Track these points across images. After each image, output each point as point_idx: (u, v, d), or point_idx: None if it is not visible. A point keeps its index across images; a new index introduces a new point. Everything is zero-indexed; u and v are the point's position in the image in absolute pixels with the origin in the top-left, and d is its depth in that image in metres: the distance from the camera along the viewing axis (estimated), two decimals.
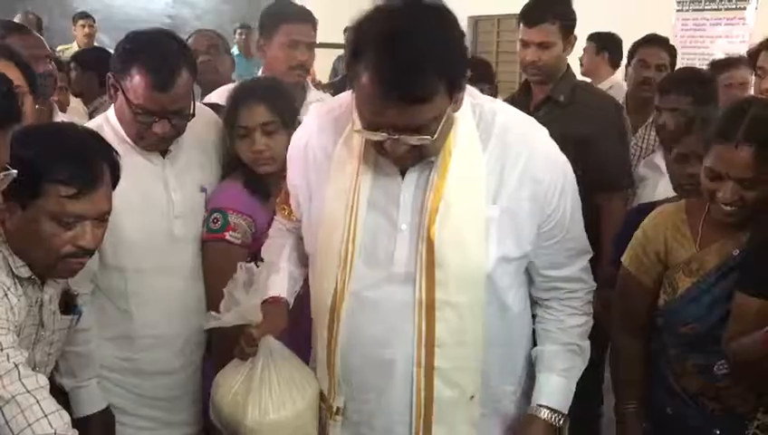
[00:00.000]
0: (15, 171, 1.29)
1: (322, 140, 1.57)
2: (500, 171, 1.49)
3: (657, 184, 2.62)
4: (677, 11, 5.26)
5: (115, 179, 1.59)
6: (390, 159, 1.45)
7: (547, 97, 2.69)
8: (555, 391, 1.62)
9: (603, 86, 3.92)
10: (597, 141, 2.58)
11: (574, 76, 2.77)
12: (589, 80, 4.34)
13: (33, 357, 1.59)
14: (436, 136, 1.38)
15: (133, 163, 1.86)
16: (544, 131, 1.58)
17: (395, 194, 1.50)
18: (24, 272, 1.51)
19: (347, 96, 1.52)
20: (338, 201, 1.51)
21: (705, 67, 4.60)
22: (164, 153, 1.96)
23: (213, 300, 1.95)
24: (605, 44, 4.36)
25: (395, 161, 1.46)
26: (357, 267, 1.51)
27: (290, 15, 2.68)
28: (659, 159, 2.66)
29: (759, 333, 1.56)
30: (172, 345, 2.01)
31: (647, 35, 3.50)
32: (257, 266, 1.70)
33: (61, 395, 1.89)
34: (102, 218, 1.55)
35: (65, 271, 1.58)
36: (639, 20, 4.59)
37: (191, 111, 1.89)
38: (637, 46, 3.45)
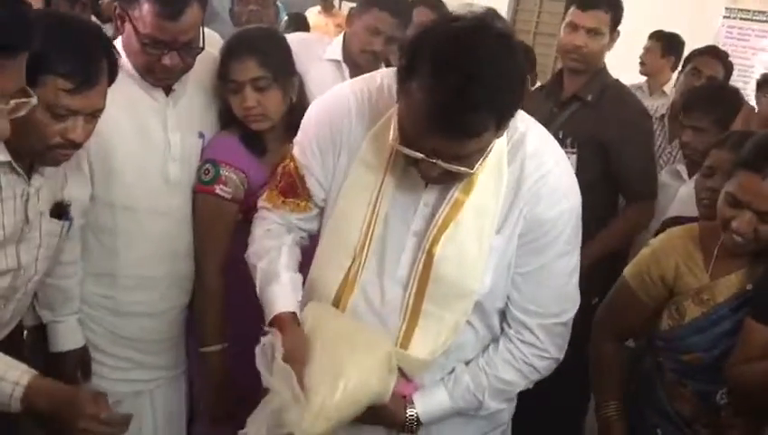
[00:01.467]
0: (35, 99, 1.22)
1: (356, 124, 1.45)
2: (511, 201, 1.38)
3: (678, 191, 2.54)
4: (724, 17, 5.07)
5: (112, 77, 1.52)
6: (419, 173, 1.34)
7: (575, 95, 2.58)
8: (435, 409, 1.48)
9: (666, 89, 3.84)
10: (620, 148, 2.48)
11: (608, 75, 2.63)
12: (643, 78, 4.21)
13: (18, 257, 1.54)
14: (475, 169, 1.29)
15: (135, 98, 1.80)
16: (566, 166, 1.44)
17: (415, 198, 1.42)
18: (2, 156, 1.44)
19: (383, 82, 1.44)
20: (361, 192, 1.42)
21: (744, 78, 4.47)
22: (167, 91, 1.86)
23: (200, 250, 1.95)
24: (671, 47, 4.22)
25: (424, 178, 1.35)
26: (370, 261, 1.43)
27: (385, 3, 2.57)
28: (682, 167, 2.59)
29: (765, 362, 1.50)
30: (156, 288, 1.94)
31: (707, 46, 3.42)
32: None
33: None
34: (95, 115, 1.49)
35: (50, 160, 1.52)
36: (684, 23, 4.45)
37: (200, 44, 1.79)
38: (694, 54, 3.34)
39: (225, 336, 1.93)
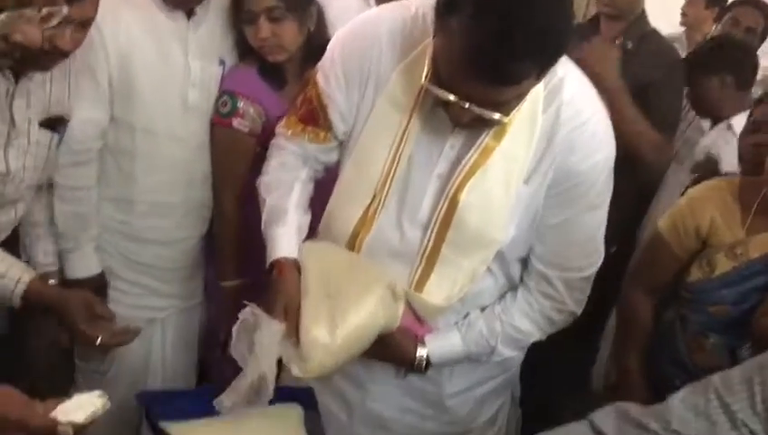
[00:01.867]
0: (66, 9, 1.19)
1: (386, 55, 1.36)
2: (543, 149, 1.31)
3: (699, 142, 2.50)
4: None
5: None
6: (448, 116, 1.27)
7: (613, 40, 2.44)
8: (446, 352, 1.44)
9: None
10: (655, 92, 2.38)
11: (648, 23, 2.53)
12: (682, 30, 4.06)
13: (6, 161, 1.52)
14: (510, 116, 1.22)
15: (157, 21, 1.76)
16: (603, 116, 1.35)
17: (441, 140, 1.34)
18: None
19: (418, 12, 1.34)
20: (386, 129, 1.35)
21: None
22: (189, 15, 1.80)
23: (218, 182, 1.92)
24: None
25: (454, 122, 1.28)
26: (390, 201, 1.37)
27: None
28: (706, 122, 2.56)
29: None
30: (172, 215, 1.91)
31: None
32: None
33: None
34: (84, 25, 1.43)
35: (37, 66, 1.46)
36: None
37: None
38: (735, 3, 3.22)
39: (243, 272, 1.90)
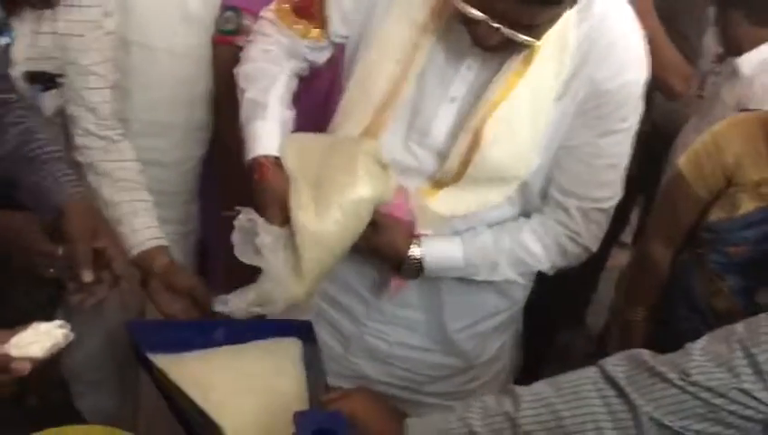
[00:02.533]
0: None
1: None
2: (574, 67, 1.21)
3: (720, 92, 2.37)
4: None
5: None
6: (471, 37, 1.15)
7: None
8: (443, 256, 1.32)
9: None
10: (676, 19, 2.24)
11: None
12: None
13: None
14: (541, 40, 1.12)
15: None
16: (638, 37, 1.26)
17: (457, 59, 1.24)
18: None
19: None
20: (395, 43, 1.24)
21: None
22: None
23: (219, 105, 1.79)
24: None
25: (478, 43, 1.15)
26: (397, 122, 1.27)
27: None
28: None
29: None
30: (170, 135, 1.81)
31: None
32: None
33: None
34: None
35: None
36: None
37: None
38: None
39: (246, 202, 1.82)
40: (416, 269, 1.31)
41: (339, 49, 1.39)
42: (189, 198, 1.95)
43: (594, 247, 1.37)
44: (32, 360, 0.92)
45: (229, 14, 1.71)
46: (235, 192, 1.83)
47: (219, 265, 1.99)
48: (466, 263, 1.32)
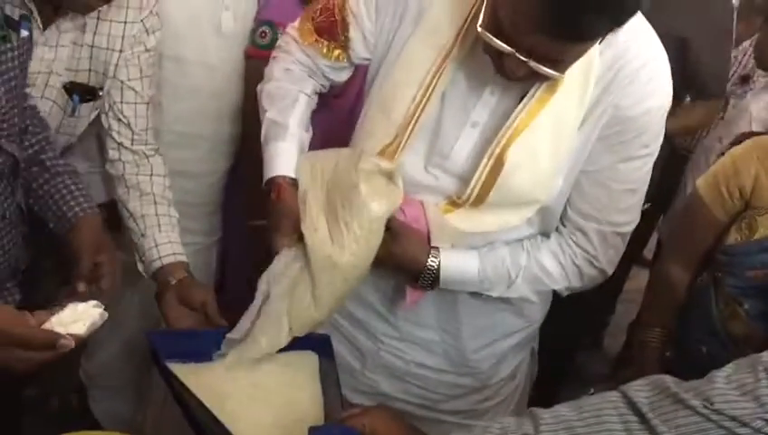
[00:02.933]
0: None
1: None
2: (598, 93, 1.20)
3: (749, 106, 2.37)
4: None
5: None
6: (496, 67, 1.14)
7: None
8: (459, 268, 1.30)
9: None
10: (700, 44, 2.26)
11: None
12: None
13: None
14: (566, 73, 1.11)
15: None
16: (662, 63, 1.24)
17: (480, 84, 1.23)
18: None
19: None
20: (418, 64, 1.23)
21: None
22: None
23: (250, 118, 1.74)
24: None
25: (503, 74, 1.14)
26: (417, 143, 1.26)
27: None
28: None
29: None
30: (198, 147, 1.85)
31: None
32: None
33: None
34: None
35: (79, 4, 1.36)
36: None
37: None
38: None
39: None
40: (432, 280, 1.29)
41: (361, 68, 1.40)
42: (214, 209, 1.97)
43: (610, 271, 1.36)
44: (75, 337, 0.94)
45: (265, 27, 1.73)
46: (261, 204, 1.87)
47: (241, 275, 2.00)
48: (482, 277, 1.30)
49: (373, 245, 1.20)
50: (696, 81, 2.34)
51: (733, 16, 2.51)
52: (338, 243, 1.17)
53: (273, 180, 1.26)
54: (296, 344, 1.21)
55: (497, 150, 1.20)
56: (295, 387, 1.20)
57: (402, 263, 1.29)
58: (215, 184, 1.92)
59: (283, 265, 1.19)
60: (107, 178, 1.72)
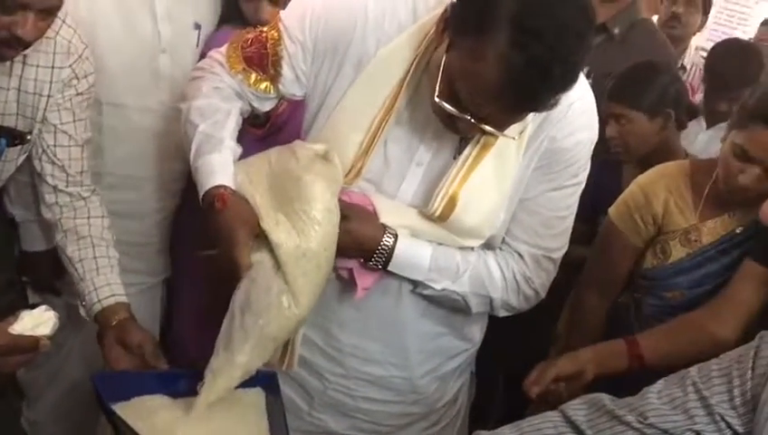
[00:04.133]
0: None
1: (369, 37, 1.26)
2: (534, 130, 1.26)
3: (698, 136, 2.45)
4: None
5: None
6: (447, 125, 1.19)
7: (603, 25, 2.30)
8: (413, 252, 1.29)
9: None
10: None
11: (639, 11, 2.43)
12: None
13: None
14: (524, 137, 1.20)
15: None
16: (591, 99, 1.31)
17: (423, 127, 1.27)
18: None
19: None
20: (362, 111, 1.26)
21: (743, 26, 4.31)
22: None
23: None
24: None
25: (456, 132, 1.20)
26: (364, 183, 1.29)
27: None
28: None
29: None
30: (142, 189, 1.83)
31: None
32: None
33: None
34: (49, 12, 1.31)
35: None
36: None
37: None
38: None
39: None
40: (385, 259, 1.28)
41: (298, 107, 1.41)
42: (160, 247, 1.95)
43: (543, 293, 1.40)
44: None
45: None
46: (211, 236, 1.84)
47: (191, 314, 1.97)
48: (432, 264, 1.31)
49: (335, 223, 1.20)
50: None
51: (674, 65, 2.58)
52: (301, 232, 1.17)
53: (214, 190, 1.21)
54: (243, 382, 1.21)
55: (450, 190, 1.24)
56: (243, 424, 1.20)
57: (358, 239, 1.26)
58: (161, 223, 1.90)
59: (244, 287, 1.17)
60: (46, 227, 1.69)
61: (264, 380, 1.26)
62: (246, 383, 1.22)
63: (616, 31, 2.30)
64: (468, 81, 1.08)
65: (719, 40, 4.42)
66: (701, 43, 4.37)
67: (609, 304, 1.76)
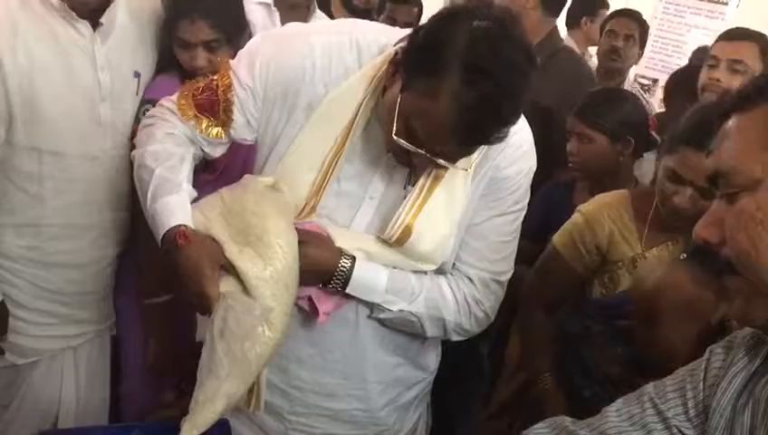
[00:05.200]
0: None
1: (318, 81, 1.30)
2: (482, 155, 1.30)
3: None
4: None
5: None
6: (399, 160, 1.25)
7: None
8: (370, 275, 1.31)
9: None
10: (561, 116, 2.31)
11: (560, 39, 2.51)
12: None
13: None
14: (471, 167, 1.25)
15: (59, 33, 1.62)
16: (528, 132, 1.36)
17: (374, 162, 1.31)
18: None
19: (352, 37, 1.29)
20: (313, 153, 1.29)
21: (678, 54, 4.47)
22: (95, 26, 1.66)
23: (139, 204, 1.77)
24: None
25: (409, 165, 1.25)
26: (318, 216, 1.31)
27: None
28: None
29: None
30: (84, 238, 1.78)
31: (620, 9, 3.43)
32: None
33: None
34: None
35: None
36: None
37: None
38: (609, 18, 3.34)
39: (167, 288, 1.78)
40: (343, 282, 1.30)
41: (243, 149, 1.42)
42: (104, 295, 1.90)
43: (492, 316, 1.43)
44: None
45: (149, 106, 1.69)
46: (156, 281, 1.82)
47: (137, 362, 1.94)
48: (389, 285, 1.33)
49: (294, 245, 1.23)
50: (557, 150, 2.33)
51: (594, 85, 2.65)
52: (264, 255, 1.19)
53: (175, 229, 1.22)
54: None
55: (406, 220, 1.28)
56: None
57: (316, 263, 1.28)
58: (101, 272, 1.86)
59: (220, 314, 1.17)
60: None
61: (216, 428, 1.24)
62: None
63: (538, 60, 2.34)
64: (423, 118, 1.13)
65: (656, 68, 4.65)
66: (640, 71, 4.56)
67: (551, 318, 1.78)
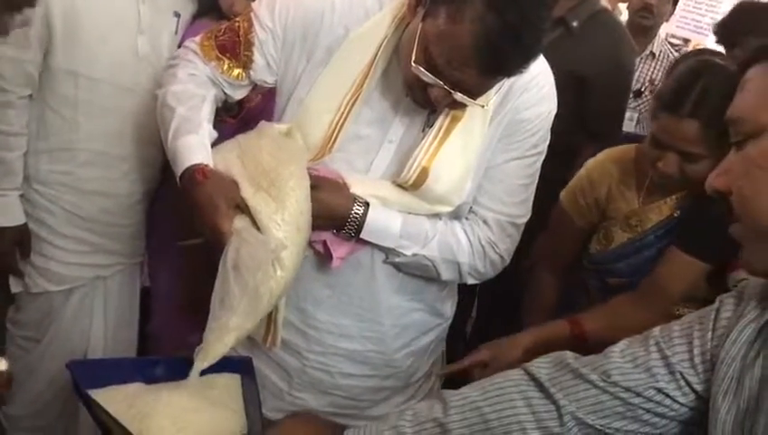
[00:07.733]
0: None
1: (337, 23, 1.31)
2: (498, 104, 1.30)
3: None
4: None
5: None
6: (416, 97, 1.24)
7: (561, 18, 2.27)
8: (383, 220, 1.32)
9: None
10: (597, 84, 2.27)
11: (598, 2, 2.38)
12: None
13: None
14: (486, 103, 1.23)
15: None
16: (549, 75, 1.36)
17: (394, 104, 1.31)
18: None
19: None
20: (334, 91, 1.30)
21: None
22: None
23: None
24: None
25: (427, 102, 1.22)
26: (337, 159, 1.31)
27: None
28: None
29: None
30: (116, 168, 1.81)
31: None
32: None
33: None
34: None
35: None
36: None
37: None
38: None
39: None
40: (356, 228, 1.31)
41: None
42: (135, 230, 1.93)
43: (508, 259, 1.42)
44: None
45: None
46: (191, 225, 1.85)
47: (167, 303, 1.97)
48: (402, 231, 1.34)
49: (307, 190, 1.25)
50: (591, 120, 2.33)
51: (634, 59, 2.56)
52: (276, 198, 1.21)
53: (194, 166, 1.24)
54: (218, 366, 1.21)
55: (423, 162, 1.28)
56: (218, 408, 1.19)
57: (329, 208, 1.29)
58: (133, 206, 1.88)
59: (234, 245, 1.18)
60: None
61: (240, 364, 1.26)
62: (222, 368, 1.22)
63: (575, 24, 2.27)
64: (445, 43, 1.13)
65: (688, 27, 4.50)
66: (671, 30, 4.44)
67: (560, 282, 1.80)
